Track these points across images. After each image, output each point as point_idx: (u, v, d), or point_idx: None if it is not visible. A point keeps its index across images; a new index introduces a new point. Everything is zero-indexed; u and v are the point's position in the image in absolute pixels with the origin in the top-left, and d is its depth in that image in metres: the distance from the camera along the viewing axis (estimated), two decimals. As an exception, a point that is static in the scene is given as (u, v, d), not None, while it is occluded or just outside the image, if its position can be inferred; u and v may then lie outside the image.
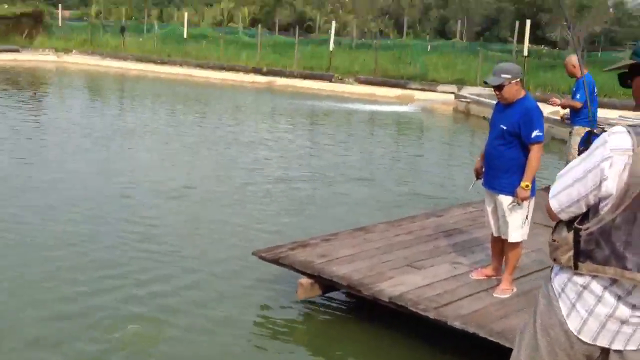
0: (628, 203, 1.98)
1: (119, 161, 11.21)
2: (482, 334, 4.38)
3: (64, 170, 10.14)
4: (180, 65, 35.80)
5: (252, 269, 6.08)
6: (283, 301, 5.55)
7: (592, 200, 2.06)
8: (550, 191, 2.22)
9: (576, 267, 2.12)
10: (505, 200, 5.00)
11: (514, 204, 4.93)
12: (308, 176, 10.84)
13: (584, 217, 2.13)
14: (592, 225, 2.07)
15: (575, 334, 2.18)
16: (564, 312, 2.19)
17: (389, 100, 25.97)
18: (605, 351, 2.18)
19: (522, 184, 4.86)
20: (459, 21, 71.78)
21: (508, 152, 4.95)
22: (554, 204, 2.18)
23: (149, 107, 20.55)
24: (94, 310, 5.16)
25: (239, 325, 5.15)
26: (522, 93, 4.97)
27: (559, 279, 2.23)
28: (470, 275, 5.48)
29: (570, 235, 2.14)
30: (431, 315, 4.68)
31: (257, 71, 33.04)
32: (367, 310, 5.36)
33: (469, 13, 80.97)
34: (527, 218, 5.03)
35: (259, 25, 47.29)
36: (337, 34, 35.99)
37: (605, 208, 2.04)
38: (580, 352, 2.20)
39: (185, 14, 46.45)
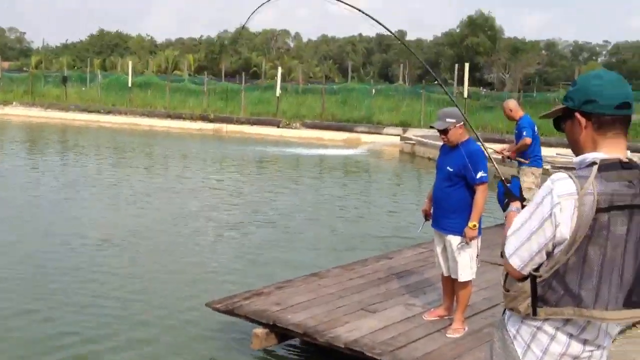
0: (578, 244, 2.05)
1: (65, 213, 10.98)
2: (437, 376, 4.44)
3: (7, 224, 9.87)
4: (126, 114, 35.51)
5: (207, 319, 6.02)
6: (238, 352, 5.51)
7: (550, 247, 2.12)
8: (506, 251, 2.22)
9: (535, 313, 2.16)
10: (454, 240, 5.13)
11: (463, 243, 5.06)
12: (259, 222, 10.84)
13: (538, 265, 2.18)
14: (547, 271, 2.12)
15: None
16: (520, 352, 2.23)
17: (336, 144, 26.32)
18: None
19: (470, 224, 5.01)
20: (401, 65, 73.69)
21: (455, 193, 5.11)
22: (516, 261, 2.17)
23: (95, 158, 20.25)
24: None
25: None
26: (466, 136, 5.17)
27: (512, 322, 2.29)
28: (423, 317, 5.56)
29: (527, 284, 2.17)
30: (387, 359, 4.71)
31: (204, 118, 33.06)
32: (325, 357, 5.36)
33: (410, 57, 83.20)
34: (475, 257, 5.17)
35: (205, 72, 47.51)
36: (283, 79, 36.40)
37: (557, 252, 2.09)
38: None
39: (130, 62, 46.18)
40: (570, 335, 2.15)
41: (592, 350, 2.18)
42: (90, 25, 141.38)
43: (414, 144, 23.12)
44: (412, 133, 25.06)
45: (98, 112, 36.31)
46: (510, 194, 2.56)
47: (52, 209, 11.29)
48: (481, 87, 53.34)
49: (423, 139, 22.51)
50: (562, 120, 2.25)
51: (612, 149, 2.12)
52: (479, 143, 5.15)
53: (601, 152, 2.12)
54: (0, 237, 9.14)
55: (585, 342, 2.16)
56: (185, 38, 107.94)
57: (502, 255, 2.26)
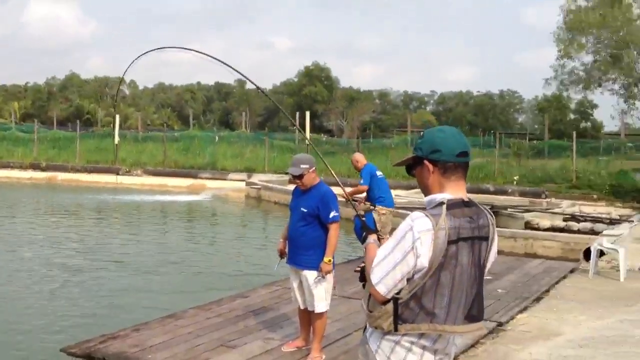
0: (433, 270, 2.37)
1: None
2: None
3: None
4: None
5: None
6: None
7: (411, 274, 2.41)
8: (373, 280, 2.45)
9: (396, 329, 2.43)
10: (310, 275, 5.40)
11: (319, 277, 5.35)
12: (107, 267, 10.49)
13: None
14: (407, 293, 2.40)
15: None
16: None
17: (181, 190, 26.00)
18: None
19: (325, 259, 5.33)
20: (242, 112, 74.70)
21: (309, 232, 5.42)
22: (382, 289, 2.42)
23: None
24: None
25: None
26: (317, 179, 5.56)
27: (374, 338, 2.54)
28: (282, 349, 5.73)
29: (389, 305, 2.43)
30: (251, 389, 4.82)
31: (36, 167, 31.25)
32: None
33: (250, 105, 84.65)
34: (331, 289, 5.47)
35: (35, 120, 45.01)
36: (120, 127, 35.45)
37: (417, 276, 2.39)
38: None
39: (-53, 109, 42.65)
40: (424, 347, 2.47)
41: (441, 358, 2.52)
42: None
43: (259, 188, 23.48)
44: (257, 178, 25.46)
45: None
46: (366, 227, 2.89)
47: None
48: (322, 134, 55.40)
49: (268, 184, 22.95)
50: (412, 167, 2.63)
51: (456, 190, 2.52)
52: (332, 186, 5.55)
53: (447, 193, 2.50)
54: None
55: (436, 352, 2.49)
56: (9, 85, 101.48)
57: (365, 281, 2.56)
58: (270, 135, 34.30)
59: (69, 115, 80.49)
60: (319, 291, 5.40)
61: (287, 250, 5.66)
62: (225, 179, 27.20)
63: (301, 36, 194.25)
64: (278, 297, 7.50)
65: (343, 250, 10.64)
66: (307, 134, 27.99)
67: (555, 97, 62.94)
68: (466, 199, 2.52)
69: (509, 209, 16.88)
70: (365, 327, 2.62)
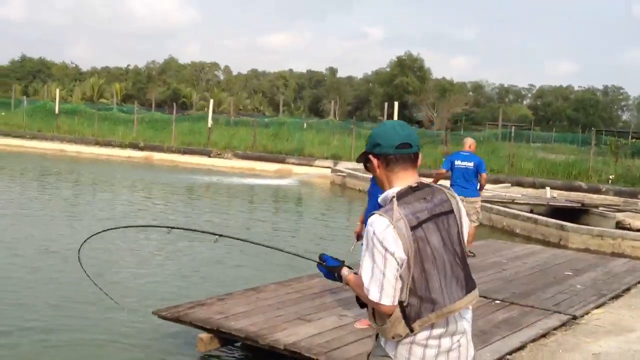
0: (413, 260, 2.42)
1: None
2: (369, 372, 4.88)
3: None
4: (52, 140, 34.87)
5: (153, 328, 6.30)
6: (184, 356, 5.80)
7: (400, 273, 2.45)
8: (372, 297, 2.46)
9: (412, 330, 2.46)
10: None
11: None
12: (195, 243, 11.10)
13: None
14: (404, 293, 2.44)
15: None
16: None
17: (268, 174, 26.73)
18: None
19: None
20: (332, 101, 75.23)
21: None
22: (387, 300, 2.44)
23: (26, 182, 19.91)
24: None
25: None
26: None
27: (389, 346, 2.57)
28: (355, 325, 6.01)
29: (397, 311, 2.46)
30: (322, 358, 5.13)
31: (134, 146, 32.88)
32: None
33: (340, 93, 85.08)
34: None
35: (136, 102, 47.24)
36: (213, 111, 36.66)
37: (403, 274, 2.43)
38: None
39: (57, 90, 45.41)
40: (439, 336, 2.52)
41: (459, 339, 2.57)
42: (12, 50, 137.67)
43: (344, 175, 23.82)
44: (342, 166, 25.80)
45: (23, 137, 35.51)
46: (333, 268, 2.88)
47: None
48: (411, 125, 55.01)
49: (354, 172, 23.24)
50: (366, 162, 2.72)
51: (403, 181, 2.58)
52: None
53: (396, 186, 2.58)
54: None
55: (452, 334, 2.56)
56: (112, 67, 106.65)
57: (366, 305, 2.59)
58: (358, 124, 34.52)
59: (166, 98, 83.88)
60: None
61: (363, 233, 5.91)
62: (311, 165, 27.70)
63: (395, 27, 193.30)
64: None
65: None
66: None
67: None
68: (414, 185, 2.57)
69: (600, 208, 16.40)
70: (377, 336, 2.66)
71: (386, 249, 2.42)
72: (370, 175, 6.13)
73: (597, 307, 7.14)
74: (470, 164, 9.69)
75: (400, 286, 2.45)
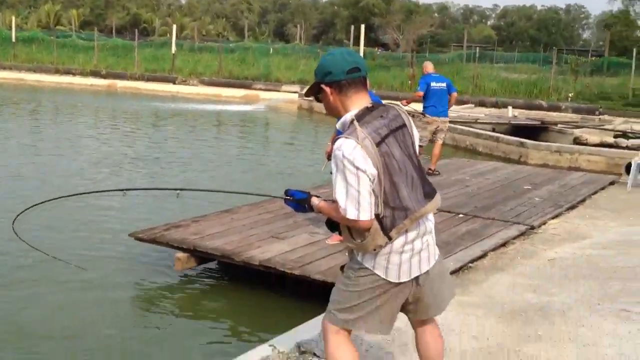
0: (382, 174, 2.59)
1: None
2: (340, 282, 5.19)
3: None
4: (10, 69, 33.97)
5: (130, 249, 6.53)
6: (163, 275, 6.06)
7: (372, 188, 2.62)
8: (349, 215, 2.60)
9: (390, 238, 2.64)
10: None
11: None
12: (167, 171, 11.22)
13: None
14: (379, 206, 2.61)
15: (397, 281, 2.74)
16: (382, 274, 2.74)
17: (235, 100, 26.59)
18: (416, 278, 2.78)
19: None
20: (298, 25, 73.89)
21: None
22: (364, 216, 2.60)
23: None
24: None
25: (124, 296, 5.62)
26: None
27: (367, 258, 2.74)
28: (326, 242, 6.29)
29: (375, 224, 2.63)
30: (296, 272, 5.41)
31: (96, 74, 32.26)
32: (239, 278, 6.00)
33: (306, 17, 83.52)
34: None
35: (95, 29, 45.85)
36: (176, 37, 35.89)
37: (375, 189, 2.60)
38: (406, 289, 2.80)
39: (13, 18, 43.81)
40: (412, 241, 2.73)
41: (427, 239, 2.80)
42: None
43: (311, 100, 23.82)
44: (309, 90, 25.76)
45: (-21, 67, 34.51)
46: (301, 200, 3.05)
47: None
48: (377, 48, 54.64)
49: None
50: (318, 93, 2.82)
51: (358, 103, 2.71)
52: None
53: (352, 109, 2.71)
54: None
55: (422, 236, 2.76)
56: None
57: (338, 228, 2.80)
58: (324, 48, 34.23)
59: (125, 23, 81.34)
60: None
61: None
62: (278, 90, 27.62)
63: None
64: (326, 198, 8.02)
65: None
66: (362, 47, 27.87)
67: (623, 12, 60.04)
68: (369, 105, 2.71)
69: (559, 125, 16.87)
70: (352, 251, 2.81)
71: (357, 168, 2.56)
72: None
73: (554, 217, 7.55)
74: (443, 85, 10.03)
75: (375, 200, 2.61)
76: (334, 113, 2.80)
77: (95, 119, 19.39)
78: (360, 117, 2.65)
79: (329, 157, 6.21)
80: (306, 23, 74.49)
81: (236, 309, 5.60)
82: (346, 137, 2.61)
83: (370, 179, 2.58)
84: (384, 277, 2.72)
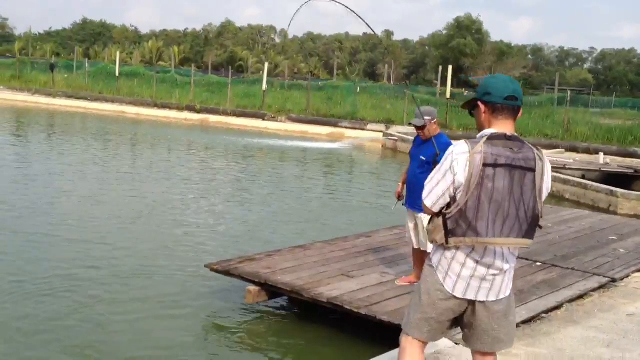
0: (473, 189, 2.82)
1: (66, 196, 11.59)
2: (406, 325, 5.17)
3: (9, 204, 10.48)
4: (113, 102, 35.94)
5: (205, 281, 6.77)
6: (233, 306, 6.23)
7: (452, 191, 2.89)
8: (423, 195, 3.01)
9: (447, 242, 2.92)
10: (425, 217, 5.87)
11: (433, 219, 5.81)
12: (249, 204, 11.53)
13: (448, 206, 2.95)
14: (453, 210, 2.88)
15: (450, 292, 2.99)
16: (441, 278, 3.01)
17: (321, 137, 26.99)
18: (472, 303, 3.01)
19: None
20: (386, 65, 74.42)
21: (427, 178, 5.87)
22: (428, 202, 2.98)
23: (96, 143, 20.79)
24: (50, 321, 5.68)
25: (195, 325, 5.80)
26: (438, 130, 5.99)
27: (435, 257, 3.06)
28: (396, 282, 6.29)
29: (440, 220, 2.94)
30: (363, 311, 5.44)
31: (191, 109, 33.60)
32: (307, 313, 6.08)
33: (396, 56, 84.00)
34: None
35: (192, 65, 47.95)
36: (268, 74, 36.98)
37: (459, 195, 2.86)
38: (456, 304, 3.02)
39: (118, 53, 46.55)
40: (476, 262, 2.94)
41: (494, 275, 2.97)
42: (74, 14, 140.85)
43: (396, 140, 23.89)
44: (394, 130, 25.84)
45: (85, 99, 36.73)
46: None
47: (49, 183, 11.90)
48: (463, 89, 54.19)
49: (406, 136, 23.29)
50: (472, 108, 3.09)
51: (501, 127, 2.94)
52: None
53: (493, 129, 2.94)
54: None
55: (488, 267, 2.94)
56: (169, 30, 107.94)
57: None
58: (412, 88, 34.34)
59: (222, 61, 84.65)
60: (432, 234, 5.87)
61: (404, 193, 6.16)
62: (363, 129, 27.82)
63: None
64: (398, 239, 8.02)
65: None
66: (448, 88, 27.81)
67: None
68: (509, 134, 2.92)
69: (655, 174, 16.12)
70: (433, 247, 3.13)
71: (451, 168, 2.88)
72: (412, 138, 6.35)
73: (638, 270, 7.21)
74: None
75: (448, 201, 2.91)
76: (480, 127, 3.05)
77: (198, 151, 20.15)
78: (493, 137, 2.90)
79: (399, 198, 6.24)
80: (396, 63, 74.80)
81: (302, 344, 5.67)
82: (465, 142, 2.92)
83: (453, 183, 2.88)
84: (441, 281, 2.99)
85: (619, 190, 13.18)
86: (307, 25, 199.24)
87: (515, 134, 2.97)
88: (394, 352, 4.38)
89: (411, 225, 6.11)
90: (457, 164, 2.87)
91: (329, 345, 5.60)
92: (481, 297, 2.98)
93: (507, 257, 2.99)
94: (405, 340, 3.18)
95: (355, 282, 6.22)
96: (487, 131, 2.96)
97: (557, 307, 5.80)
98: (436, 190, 2.94)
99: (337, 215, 11.09)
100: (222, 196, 12.07)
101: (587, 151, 21.81)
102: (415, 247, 6.14)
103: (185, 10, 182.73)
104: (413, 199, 5.99)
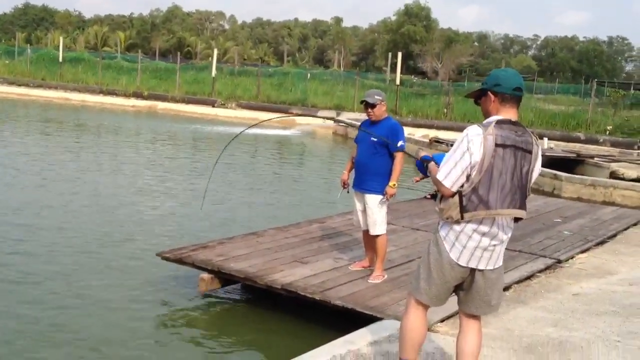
0: (486, 167, 3.17)
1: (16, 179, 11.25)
2: (358, 309, 5.22)
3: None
4: (56, 88, 34.99)
5: (157, 269, 6.68)
6: (187, 295, 6.17)
7: (469, 171, 3.21)
8: (439, 176, 3.27)
9: (462, 217, 3.24)
10: (374, 198, 5.93)
11: (383, 200, 5.87)
12: (199, 192, 11.41)
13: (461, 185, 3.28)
14: (468, 187, 3.21)
15: (456, 260, 3.34)
16: (448, 248, 3.35)
17: (271, 124, 26.87)
18: (472, 271, 3.37)
19: (390, 183, 5.85)
20: (336, 51, 74.52)
21: (378, 160, 5.93)
22: (447, 182, 3.25)
23: (33, 132, 20.19)
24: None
25: (148, 314, 5.72)
26: (386, 114, 6.05)
27: (443, 229, 3.39)
28: (349, 267, 6.34)
29: (456, 198, 3.24)
30: (317, 297, 5.46)
31: (138, 95, 32.99)
32: (262, 301, 6.08)
33: (346, 43, 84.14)
34: (386, 215, 6.00)
35: (139, 51, 47.03)
36: (218, 60, 36.58)
37: (474, 173, 3.19)
38: (460, 272, 3.37)
39: (61, 38, 45.25)
40: (483, 234, 3.29)
41: (495, 245, 3.33)
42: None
43: (346, 126, 23.96)
44: (345, 116, 25.93)
45: (27, 85, 35.64)
46: (426, 160, 3.70)
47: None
48: (412, 75, 54.69)
49: (356, 122, 23.38)
50: (479, 97, 3.44)
51: (507, 114, 3.32)
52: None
53: (500, 116, 3.31)
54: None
55: (492, 237, 3.30)
56: (115, 15, 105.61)
57: (436, 197, 3.44)
58: (362, 74, 34.48)
59: (170, 47, 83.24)
60: (380, 215, 5.94)
61: (349, 180, 6.22)
62: (314, 116, 27.82)
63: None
64: (351, 225, 8.03)
65: (414, 186, 11.11)
66: (398, 74, 28.04)
67: (668, 45, 58.98)
68: (513, 120, 3.30)
69: (595, 158, 16.63)
70: (439, 222, 3.46)
71: (468, 149, 3.21)
72: (359, 124, 6.41)
73: (582, 252, 7.46)
74: None
75: (465, 180, 3.23)
76: (486, 115, 3.40)
77: (145, 139, 19.78)
78: (501, 122, 3.26)
79: (344, 185, 6.28)
80: (345, 49, 74.93)
81: (256, 331, 5.65)
82: (478, 125, 3.27)
83: (470, 163, 3.20)
84: (448, 251, 3.34)
85: (563, 174, 13.57)
86: (256, 11, 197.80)
87: (518, 120, 3.29)
88: (349, 337, 4.44)
89: (359, 207, 6.15)
90: (473, 144, 3.20)
91: (284, 331, 5.60)
92: (482, 266, 3.35)
93: (506, 229, 3.35)
94: (411, 304, 3.55)
95: (309, 267, 6.24)
96: (495, 117, 3.31)
97: (506, 289, 5.94)
98: (455, 171, 3.24)
99: (290, 202, 11.08)
100: (175, 183, 11.91)
101: (532, 136, 22.34)
102: (363, 229, 6.20)
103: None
104: (362, 181, 6.04)
